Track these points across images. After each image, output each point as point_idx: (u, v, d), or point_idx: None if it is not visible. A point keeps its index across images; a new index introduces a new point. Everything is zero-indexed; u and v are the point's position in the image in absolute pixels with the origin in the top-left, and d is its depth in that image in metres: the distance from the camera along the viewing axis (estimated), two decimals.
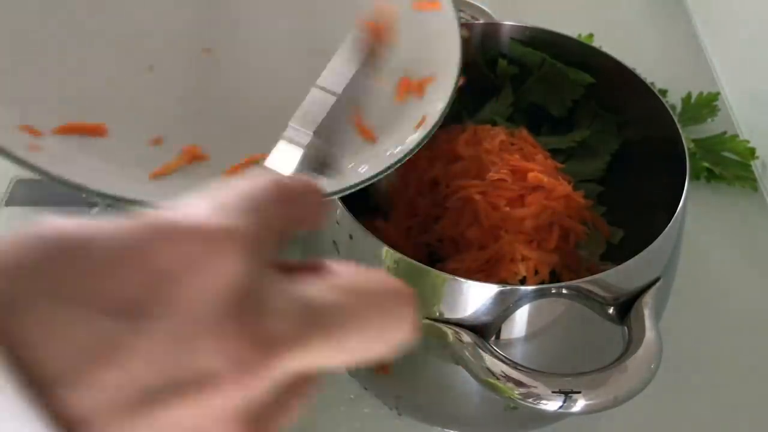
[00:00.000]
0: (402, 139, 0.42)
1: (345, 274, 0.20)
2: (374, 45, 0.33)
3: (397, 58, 0.45)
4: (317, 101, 0.28)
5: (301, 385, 0.19)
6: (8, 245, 0.15)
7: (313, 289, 0.19)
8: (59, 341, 0.15)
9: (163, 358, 0.15)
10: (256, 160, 0.41)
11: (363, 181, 0.38)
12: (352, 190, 0.37)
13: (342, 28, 0.48)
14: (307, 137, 0.26)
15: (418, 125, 0.43)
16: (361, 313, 0.19)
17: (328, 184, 0.37)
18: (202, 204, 0.18)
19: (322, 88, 0.29)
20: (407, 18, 0.47)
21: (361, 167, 0.40)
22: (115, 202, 0.34)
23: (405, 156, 0.40)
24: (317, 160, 0.27)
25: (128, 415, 0.15)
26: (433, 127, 0.42)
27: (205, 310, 0.16)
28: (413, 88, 0.46)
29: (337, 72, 0.30)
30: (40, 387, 0.14)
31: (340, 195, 0.37)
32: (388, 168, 0.39)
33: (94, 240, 0.16)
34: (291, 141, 0.26)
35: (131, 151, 0.39)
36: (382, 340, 0.20)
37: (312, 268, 0.21)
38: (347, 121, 0.31)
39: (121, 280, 0.16)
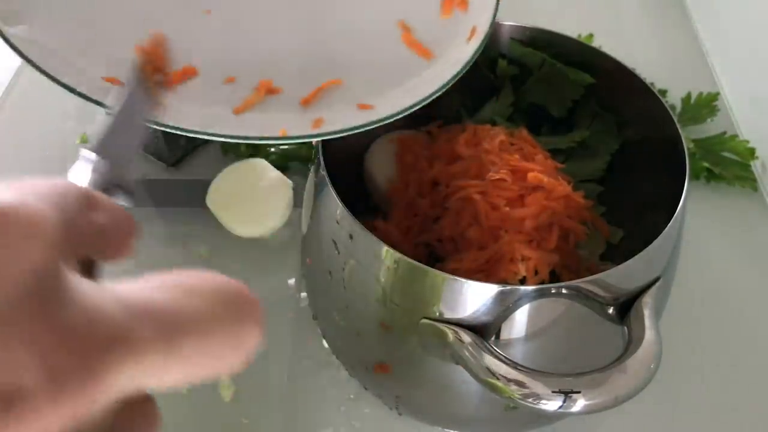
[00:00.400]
0: (457, 53, 0.44)
1: (174, 275, 0.18)
2: (148, 68, 0.35)
3: None
4: (102, 124, 0.29)
5: (136, 418, 0.16)
6: None
7: (138, 287, 0.16)
8: None
9: None
10: (325, 87, 0.44)
11: (429, 96, 0.41)
12: (422, 105, 0.41)
13: None
14: (93, 159, 0.27)
15: (470, 38, 0.44)
16: (206, 315, 0.17)
17: (396, 98, 0.41)
18: (12, 189, 0.16)
19: (108, 112, 0.30)
20: None
21: (423, 85, 0.42)
22: (211, 138, 0.38)
23: (464, 68, 0.42)
24: (109, 182, 0.27)
25: None
26: (486, 36, 0.44)
27: (8, 300, 0.13)
28: (457, 1, 0.48)
29: (119, 94, 0.32)
30: None
31: (411, 110, 0.41)
32: (449, 82, 0.42)
33: None
34: (84, 161, 0.27)
35: (212, 91, 0.43)
36: (231, 347, 0.17)
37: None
38: (136, 143, 0.31)
39: None
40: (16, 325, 0.13)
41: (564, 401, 0.33)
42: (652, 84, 0.48)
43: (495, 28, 0.52)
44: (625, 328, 0.37)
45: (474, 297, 0.36)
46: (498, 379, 0.33)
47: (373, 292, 0.38)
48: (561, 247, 0.46)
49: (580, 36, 0.65)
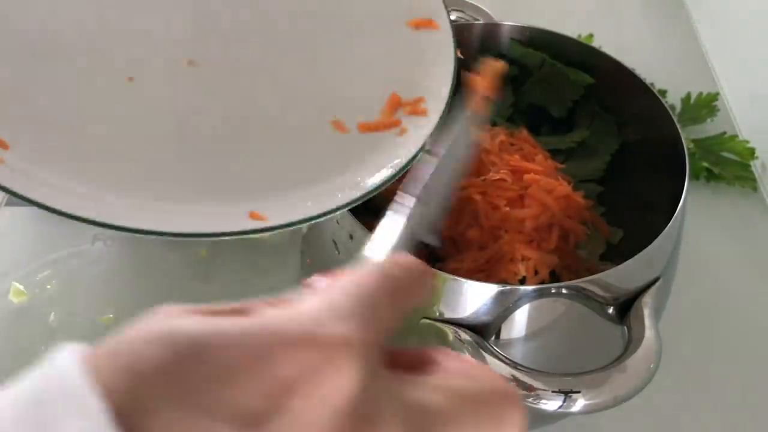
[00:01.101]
0: (370, 173, 0.40)
1: (453, 370, 0.20)
2: (479, 101, 0.34)
3: (386, 75, 0.45)
4: (423, 166, 0.29)
5: None
6: (143, 343, 0.16)
7: (420, 392, 0.19)
8: None
9: None
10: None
11: (328, 212, 0.36)
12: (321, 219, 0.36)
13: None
14: (410, 205, 0.26)
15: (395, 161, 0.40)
16: (468, 420, 0.19)
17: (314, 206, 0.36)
18: (316, 304, 0.19)
19: (427, 152, 0.29)
20: (400, 34, 0.46)
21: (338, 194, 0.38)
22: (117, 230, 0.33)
23: (365, 195, 0.37)
24: (422, 227, 0.27)
25: None
26: (401, 168, 0.39)
27: (323, 424, 0.16)
28: (403, 107, 0.44)
29: (443, 134, 0.30)
30: None
31: (316, 221, 0.36)
32: (349, 204, 0.37)
33: (217, 345, 0.16)
34: (396, 211, 0.26)
35: (121, 173, 0.37)
36: None
37: (419, 358, 0.21)
38: (454, 185, 0.30)
39: (241, 389, 0.16)
40: None
41: (564, 401, 0.33)
42: (652, 84, 0.48)
43: (495, 27, 0.52)
44: (625, 328, 0.37)
45: (474, 297, 0.36)
46: None
47: None
48: (561, 247, 0.46)
49: (580, 36, 0.65)
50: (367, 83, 0.45)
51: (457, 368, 0.21)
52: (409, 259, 0.22)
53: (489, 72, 0.38)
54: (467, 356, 0.22)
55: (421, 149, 0.39)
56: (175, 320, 0.17)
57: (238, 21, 0.46)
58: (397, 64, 0.45)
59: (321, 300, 0.19)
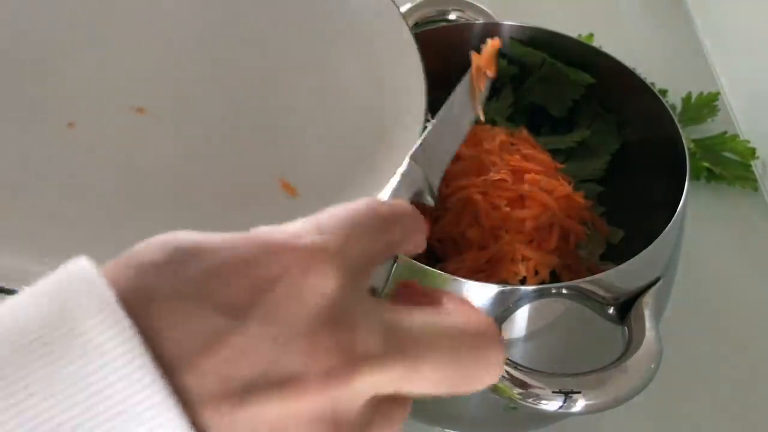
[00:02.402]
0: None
1: (447, 309, 0.22)
2: (479, 77, 0.36)
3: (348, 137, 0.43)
4: (431, 134, 0.30)
5: (390, 408, 0.20)
6: (145, 246, 0.19)
7: (405, 317, 0.20)
8: (179, 330, 0.17)
9: (260, 355, 0.18)
10: None
11: None
12: None
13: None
14: (407, 165, 0.28)
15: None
16: (446, 352, 0.20)
17: None
18: (302, 222, 0.21)
19: (431, 120, 0.31)
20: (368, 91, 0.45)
21: None
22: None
23: None
24: (418, 188, 0.28)
25: (227, 404, 0.17)
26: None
27: (300, 318, 0.18)
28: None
29: (452, 104, 0.33)
30: (163, 367, 0.17)
31: None
32: None
33: (214, 249, 0.19)
34: (397, 173, 0.28)
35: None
36: (463, 379, 0.21)
37: (426, 297, 0.23)
38: (453, 151, 0.31)
39: (228, 284, 0.18)
40: (307, 333, 0.18)
41: (564, 401, 0.33)
42: (652, 84, 0.48)
43: (495, 27, 0.52)
44: (625, 328, 0.37)
45: (474, 297, 0.36)
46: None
47: (373, 292, 0.38)
48: (561, 247, 0.46)
49: (580, 36, 0.65)
50: (324, 143, 0.44)
51: (452, 308, 0.22)
52: (404, 204, 0.24)
53: (487, 50, 0.40)
54: (467, 299, 0.22)
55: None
56: (175, 233, 0.20)
57: (197, 71, 0.45)
58: (361, 128, 0.44)
59: (308, 219, 0.21)
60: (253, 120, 0.44)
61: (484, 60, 0.39)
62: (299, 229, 0.20)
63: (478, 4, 0.55)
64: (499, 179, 0.47)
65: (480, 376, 0.21)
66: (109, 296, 0.17)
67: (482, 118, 0.39)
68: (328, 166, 0.42)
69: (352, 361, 0.18)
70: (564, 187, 0.47)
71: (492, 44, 0.41)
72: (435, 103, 0.55)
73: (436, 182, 0.30)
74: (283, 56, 0.47)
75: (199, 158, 0.42)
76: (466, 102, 0.35)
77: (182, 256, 0.19)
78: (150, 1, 0.46)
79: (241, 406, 0.17)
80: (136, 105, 0.41)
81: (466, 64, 0.54)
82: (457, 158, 0.49)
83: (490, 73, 0.40)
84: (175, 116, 0.42)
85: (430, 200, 0.30)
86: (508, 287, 0.36)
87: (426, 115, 0.43)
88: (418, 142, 0.30)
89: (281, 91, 0.45)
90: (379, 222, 0.22)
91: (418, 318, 0.20)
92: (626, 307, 0.37)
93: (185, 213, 0.39)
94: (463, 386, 0.21)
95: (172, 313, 0.17)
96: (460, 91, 0.36)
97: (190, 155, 0.41)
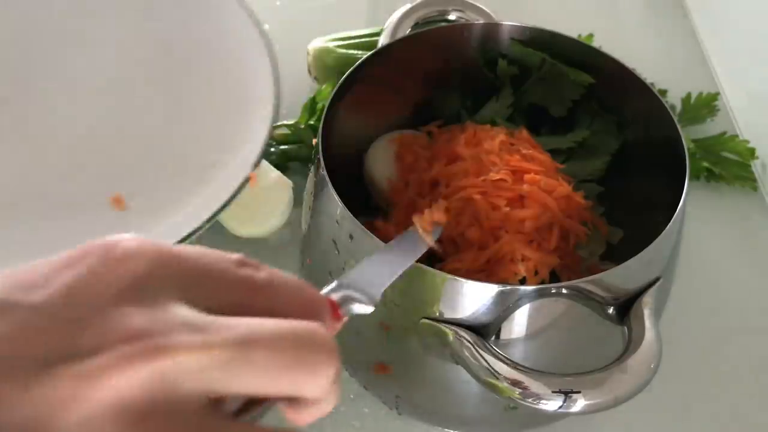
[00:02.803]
0: None
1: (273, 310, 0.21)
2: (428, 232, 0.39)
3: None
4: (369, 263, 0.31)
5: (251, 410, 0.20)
6: None
7: (238, 320, 0.20)
8: None
9: (53, 333, 0.17)
10: None
11: None
12: None
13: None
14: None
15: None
16: (269, 341, 0.19)
17: None
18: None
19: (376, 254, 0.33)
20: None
21: None
22: None
23: None
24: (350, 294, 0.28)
25: (20, 381, 0.17)
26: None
27: (102, 297, 0.18)
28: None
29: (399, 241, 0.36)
30: None
31: None
32: None
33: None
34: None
35: None
36: (302, 370, 0.20)
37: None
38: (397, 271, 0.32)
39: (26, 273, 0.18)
40: (107, 309, 0.18)
41: (564, 401, 0.33)
42: (652, 84, 0.48)
43: (495, 27, 0.52)
44: (625, 328, 0.37)
45: (474, 297, 0.36)
46: (498, 379, 0.33)
47: None
48: (561, 247, 0.46)
49: (580, 36, 0.65)
50: (157, 158, 0.45)
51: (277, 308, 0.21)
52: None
53: (428, 214, 0.40)
54: (305, 292, 0.22)
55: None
56: None
57: (43, 94, 0.46)
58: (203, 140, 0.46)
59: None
60: (95, 137, 0.46)
61: (425, 224, 0.39)
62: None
63: (478, 4, 0.55)
64: (499, 179, 0.47)
65: (315, 369, 0.20)
66: None
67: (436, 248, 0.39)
68: (163, 182, 0.44)
69: (162, 338, 0.18)
70: (564, 187, 0.47)
71: (435, 213, 0.41)
72: (433, 102, 0.55)
73: (377, 295, 0.28)
74: (132, 83, 0.49)
75: (34, 171, 0.43)
76: (416, 239, 0.37)
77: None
78: None
79: (37, 381, 0.17)
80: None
81: (466, 64, 0.54)
82: (457, 158, 0.49)
83: (441, 223, 0.41)
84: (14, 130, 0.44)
85: (367, 309, 0.28)
86: (508, 287, 0.36)
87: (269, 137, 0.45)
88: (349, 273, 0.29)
89: (125, 112, 0.47)
90: (244, 262, 0.22)
91: (243, 319, 0.20)
92: (626, 307, 0.37)
93: (14, 223, 0.40)
94: (301, 381, 0.20)
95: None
96: (409, 234, 0.37)
97: (25, 171, 0.43)
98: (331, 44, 0.66)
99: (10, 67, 0.47)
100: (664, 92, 0.67)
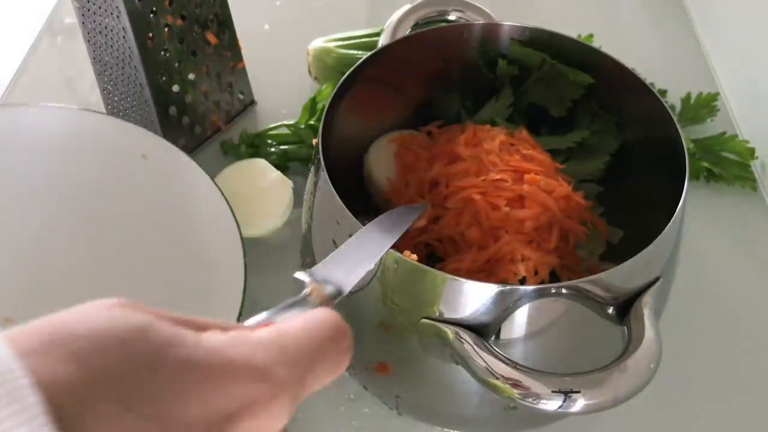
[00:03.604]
0: None
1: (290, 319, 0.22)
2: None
3: None
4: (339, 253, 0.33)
5: None
6: (98, 337, 0.16)
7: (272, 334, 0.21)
8: None
9: None
10: None
11: None
12: None
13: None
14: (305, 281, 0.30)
15: None
16: (319, 351, 0.21)
17: None
18: (263, 342, 0.20)
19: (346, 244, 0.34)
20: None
21: None
22: None
23: None
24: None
25: None
26: None
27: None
28: None
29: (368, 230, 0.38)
30: None
31: None
32: None
33: (171, 358, 0.17)
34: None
35: None
36: (333, 372, 0.22)
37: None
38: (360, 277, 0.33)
39: (188, 407, 0.17)
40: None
41: (564, 401, 0.33)
42: (652, 84, 0.48)
43: (495, 27, 0.52)
44: (625, 328, 0.37)
45: (474, 297, 0.36)
46: (498, 379, 0.33)
47: (373, 292, 0.38)
48: (561, 247, 0.46)
49: (580, 36, 0.65)
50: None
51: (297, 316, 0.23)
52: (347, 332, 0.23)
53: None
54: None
55: None
56: (135, 317, 0.17)
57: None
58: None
59: (270, 336, 0.20)
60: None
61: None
62: (259, 347, 0.20)
63: (478, 5, 0.55)
64: (498, 179, 0.47)
65: (341, 366, 0.22)
66: (32, 399, 0.14)
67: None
68: None
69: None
70: (564, 187, 0.47)
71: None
72: (433, 102, 0.55)
73: (345, 288, 0.30)
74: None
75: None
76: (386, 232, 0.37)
77: (141, 363, 0.16)
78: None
79: None
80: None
81: (466, 65, 0.54)
82: (457, 158, 0.49)
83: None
84: None
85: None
86: (508, 287, 0.36)
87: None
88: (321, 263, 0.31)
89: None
90: (339, 356, 0.22)
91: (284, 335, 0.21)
92: (626, 306, 0.37)
93: None
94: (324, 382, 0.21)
95: (110, 426, 0.15)
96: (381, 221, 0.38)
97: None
98: (331, 44, 0.66)
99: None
100: (663, 92, 0.67)
